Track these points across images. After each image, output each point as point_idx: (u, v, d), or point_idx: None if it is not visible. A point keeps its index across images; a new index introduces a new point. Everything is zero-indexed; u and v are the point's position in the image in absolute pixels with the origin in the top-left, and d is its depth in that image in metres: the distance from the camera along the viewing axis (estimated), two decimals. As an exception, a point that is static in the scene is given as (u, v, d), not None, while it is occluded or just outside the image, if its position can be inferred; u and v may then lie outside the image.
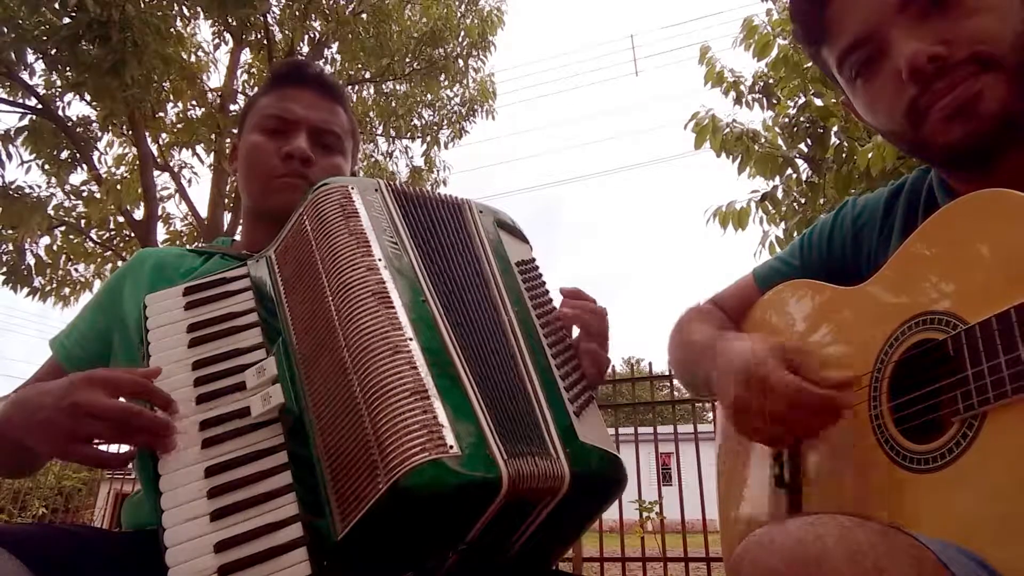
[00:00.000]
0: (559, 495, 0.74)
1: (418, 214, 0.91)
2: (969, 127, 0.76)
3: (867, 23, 0.81)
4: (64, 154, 6.21)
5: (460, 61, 8.04)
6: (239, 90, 7.36)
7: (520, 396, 0.79)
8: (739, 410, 0.83)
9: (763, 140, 4.39)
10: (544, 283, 0.98)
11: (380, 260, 0.80)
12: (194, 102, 6.91)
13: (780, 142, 4.38)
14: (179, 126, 6.86)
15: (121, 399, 0.79)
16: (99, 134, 6.63)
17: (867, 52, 0.82)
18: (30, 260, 6.38)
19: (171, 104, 6.76)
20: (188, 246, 1.40)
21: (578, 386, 0.87)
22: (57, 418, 0.76)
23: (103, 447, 0.83)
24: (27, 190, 5.77)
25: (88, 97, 5.62)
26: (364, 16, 7.20)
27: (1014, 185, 0.69)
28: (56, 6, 4.66)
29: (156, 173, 6.69)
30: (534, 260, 1.01)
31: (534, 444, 0.74)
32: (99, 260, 7.30)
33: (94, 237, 7.10)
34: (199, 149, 6.70)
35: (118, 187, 6.30)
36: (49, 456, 0.81)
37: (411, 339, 0.73)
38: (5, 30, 4.63)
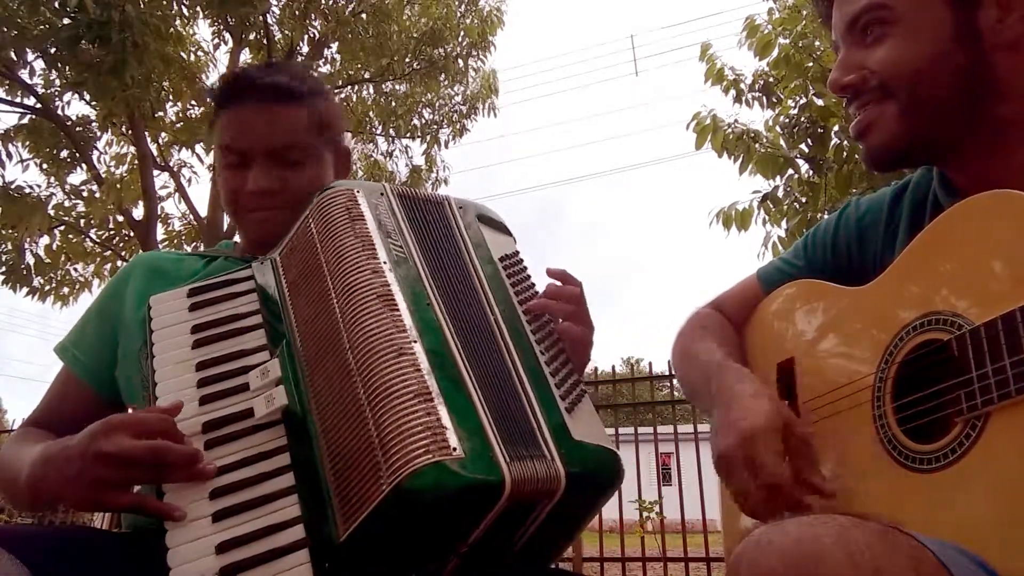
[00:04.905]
0: (556, 497, 0.75)
1: (421, 217, 0.91)
2: (870, 150, 0.86)
3: (836, 33, 0.88)
4: (63, 153, 6.20)
5: (460, 61, 8.03)
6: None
7: (514, 398, 0.79)
8: (725, 463, 0.82)
9: (764, 140, 4.39)
10: (528, 276, 0.98)
11: (385, 263, 0.80)
12: (193, 102, 6.90)
13: (781, 142, 4.38)
14: (178, 125, 6.85)
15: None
16: (98, 133, 6.63)
17: None
18: (29, 260, 6.38)
19: (171, 104, 6.75)
20: (187, 247, 1.39)
21: (569, 381, 0.87)
22: (92, 472, 0.74)
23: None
24: (27, 190, 5.76)
25: (88, 96, 5.62)
26: (364, 16, 7.19)
27: (1015, 183, 0.69)
28: (56, 6, 4.66)
29: (155, 173, 6.68)
30: (518, 253, 1.01)
31: (530, 447, 0.74)
32: (98, 260, 7.28)
33: (93, 237, 7.09)
34: (199, 149, 6.70)
35: (118, 186, 6.29)
36: (89, 509, 0.80)
37: (415, 341, 0.74)
38: (5, 29, 4.62)
